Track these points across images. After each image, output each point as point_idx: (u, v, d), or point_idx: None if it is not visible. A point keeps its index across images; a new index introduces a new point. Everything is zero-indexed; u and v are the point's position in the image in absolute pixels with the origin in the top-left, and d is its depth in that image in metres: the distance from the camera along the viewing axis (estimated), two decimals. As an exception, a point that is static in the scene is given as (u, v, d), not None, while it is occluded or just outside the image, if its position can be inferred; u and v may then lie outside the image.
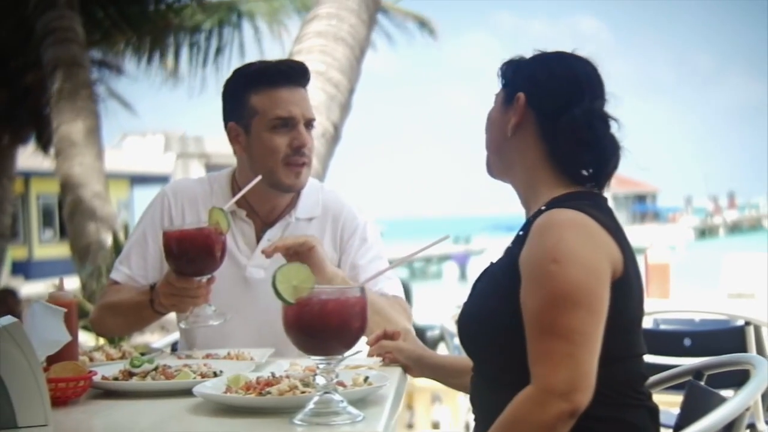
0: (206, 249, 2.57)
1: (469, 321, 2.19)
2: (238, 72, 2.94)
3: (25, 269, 26.31)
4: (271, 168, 2.83)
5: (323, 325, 1.85)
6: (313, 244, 2.66)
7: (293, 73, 2.87)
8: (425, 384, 6.42)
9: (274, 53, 14.06)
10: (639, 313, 2.12)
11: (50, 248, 28.59)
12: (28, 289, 15.74)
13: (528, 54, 2.27)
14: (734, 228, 78.42)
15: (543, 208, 2.11)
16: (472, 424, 2.27)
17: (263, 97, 2.83)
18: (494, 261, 2.21)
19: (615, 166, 2.18)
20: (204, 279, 2.61)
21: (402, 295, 3.01)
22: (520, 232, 2.13)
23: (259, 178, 2.76)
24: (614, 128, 2.18)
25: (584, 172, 2.17)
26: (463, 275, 38.63)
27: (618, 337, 2.01)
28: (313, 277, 1.90)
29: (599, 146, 2.15)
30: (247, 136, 2.87)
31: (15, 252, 25.35)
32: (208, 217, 2.61)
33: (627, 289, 2.04)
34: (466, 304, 2.22)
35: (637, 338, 2.11)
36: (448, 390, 6.36)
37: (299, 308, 1.86)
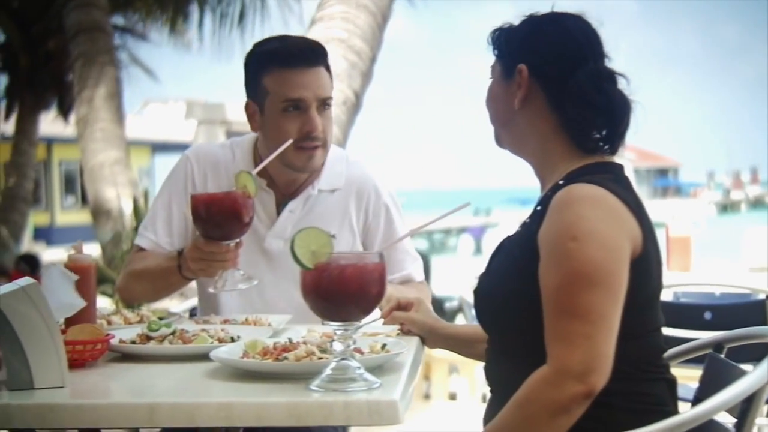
0: (234, 213, 2.56)
1: (486, 297, 2.15)
2: (254, 49, 2.91)
3: (47, 235, 26.51)
4: (283, 151, 2.82)
5: (341, 290, 1.84)
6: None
7: (304, 55, 2.81)
8: (442, 355, 6.41)
9: (295, 20, 14.01)
10: (658, 288, 2.08)
11: (72, 214, 28.76)
12: (50, 254, 15.84)
13: (517, 20, 2.20)
14: (757, 203, 78.01)
15: (561, 182, 2.06)
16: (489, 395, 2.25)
17: (275, 79, 2.80)
18: (510, 235, 2.17)
19: (627, 124, 2.11)
20: (232, 243, 2.60)
21: (422, 275, 3.01)
22: (538, 207, 2.08)
23: (290, 142, 2.74)
24: (623, 84, 2.12)
25: (597, 135, 2.10)
26: (478, 248, 38.60)
27: (636, 314, 1.97)
28: (332, 242, 1.89)
29: (610, 106, 2.09)
30: (262, 115, 2.85)
31: (37, 218, 25.53)
32: (235, 180, 2.60)
33: (646, 266, 2.00)
34: (482, 280, 2.18)
35: (656, 313, 2.08)
36: (466, 361, 6.35)
37: (318, 273, 1.84)
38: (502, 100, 2.19)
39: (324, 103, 2.82)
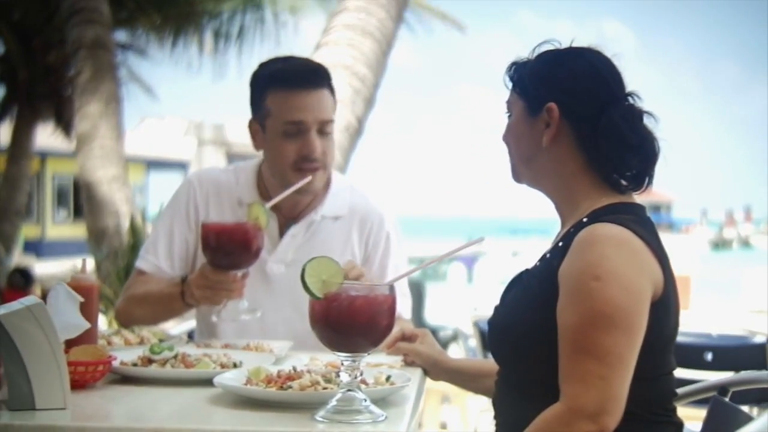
0: (244, 243, 2.56)
1: (502, 329, 2.13)
2: (259, 69, 2.91)
3: (37, 248, 26.41)
4: (281, 171, 2.83)
5: (351, 321, 1.82)
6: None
7: (306, 77, 2.81)
8: (434, 384, 6.36)
9: (294, 43, 14.12)
10: (674, 332, 2.07)
11: (63, 228, 28.69)
12: (40, 268, 15.79)
13: (533, 55, 2.17)
14: (748, 242, 78.10)
15: (585, 219, 2.04)
16: (482, 427, 2.24)
17: (277, 99, 2.80)
18: (529, 268, 2.16)
19: (657, 159, 2.10)
20: (239, 273, 2.60)
21: (408, 316, 2.98)
22: (560, 243, 2.05)
23: (309, 179, 2.76)
24: (648, 120, 2.10)
25: (627, 174, 2.09)
26: (469, 278, 38.49)
27: (652, 357, 1.96)
28: (342, 272, 1.87)
29: (643, 145, 2.07)
30: (264, 134, 2.86)
31: (28, 231, 25.44)
32: (247, 211, 2.61)
33: (666, 309, 1.98)
34: (498, 311, 2.16)
35: (670, 356, 2.06)
36: (458, 391, 6.31)
37: (327, 303, 1.83)
38: (527, 138, 2.15)
39: (324, 126, 2.81)
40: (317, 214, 2.90)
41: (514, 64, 2.20)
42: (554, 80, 2.12)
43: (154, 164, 31.16)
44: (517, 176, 2.22)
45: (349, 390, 1.85)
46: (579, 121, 2.08)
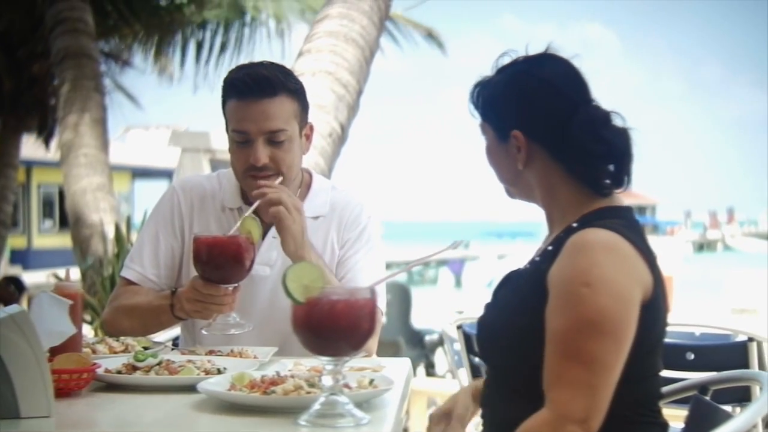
0: (236, 257, 2.57)
1: (491, 330, 2.15)
2: (226, 75, 2.89)
3: (23, 258, 26.32)
4: (239, 179, 2.86)
5: (332, 325, 1.83)
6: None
7: (257, 86, 2.75)
8: (421, 388, 6.39)
9: (279, 52, 14.12)
10: (662, 334, 2.09)
11: (49, 238, 28.61)
12: (27, 278, 15.72)
13: (492, 71, 2.21)
14: (729, 244, 78.29)
15: (575, 224, 2.06)
16: (470, 430, 2.25)
17: (229, 109, 2.80)
18: (518, 269, 2.18)
19: (631, 158, 2.12)
20: (230, 287, 2.60)
21: (384, 309, 2.94)
22: (549, 247, 2.08)
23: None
24: (616, 120, 2.12)
25: (606, 178, 2.11)
26: (458, 282, 38.53)
27: (640, 359, 1.98)
28: (324, 276, 1.89)
29: (611, 150, 2.09)
30: (229, 141, 2.86)
31: (14, 241, 25.36)
32: (240, 225, 2.62)
33: (654, 311, 2.00)
34: (487, 312, 2.19)
35: (657, 358, 2.09)
36: (445, 395, 6.34)
37: (309, 308, 1.84)
38: (504, 162, 2.20)
39: (273, 135, 2.76)
40: None
41: (476, 87, 2.22)
42: (512, 108, 2.16)
43: (139, 173, 31.11)
44: (511, 195, 2.28)
45: (332, 394, 1.87)
46: (546, 140, 2.12)
